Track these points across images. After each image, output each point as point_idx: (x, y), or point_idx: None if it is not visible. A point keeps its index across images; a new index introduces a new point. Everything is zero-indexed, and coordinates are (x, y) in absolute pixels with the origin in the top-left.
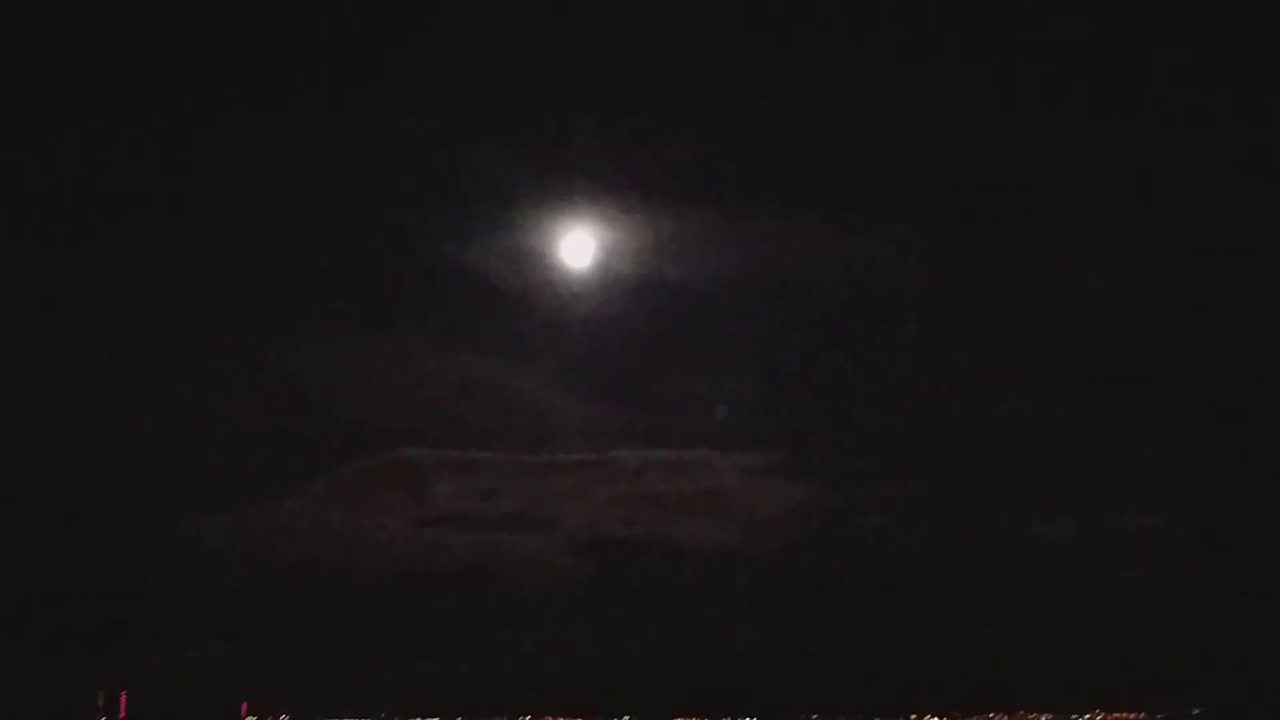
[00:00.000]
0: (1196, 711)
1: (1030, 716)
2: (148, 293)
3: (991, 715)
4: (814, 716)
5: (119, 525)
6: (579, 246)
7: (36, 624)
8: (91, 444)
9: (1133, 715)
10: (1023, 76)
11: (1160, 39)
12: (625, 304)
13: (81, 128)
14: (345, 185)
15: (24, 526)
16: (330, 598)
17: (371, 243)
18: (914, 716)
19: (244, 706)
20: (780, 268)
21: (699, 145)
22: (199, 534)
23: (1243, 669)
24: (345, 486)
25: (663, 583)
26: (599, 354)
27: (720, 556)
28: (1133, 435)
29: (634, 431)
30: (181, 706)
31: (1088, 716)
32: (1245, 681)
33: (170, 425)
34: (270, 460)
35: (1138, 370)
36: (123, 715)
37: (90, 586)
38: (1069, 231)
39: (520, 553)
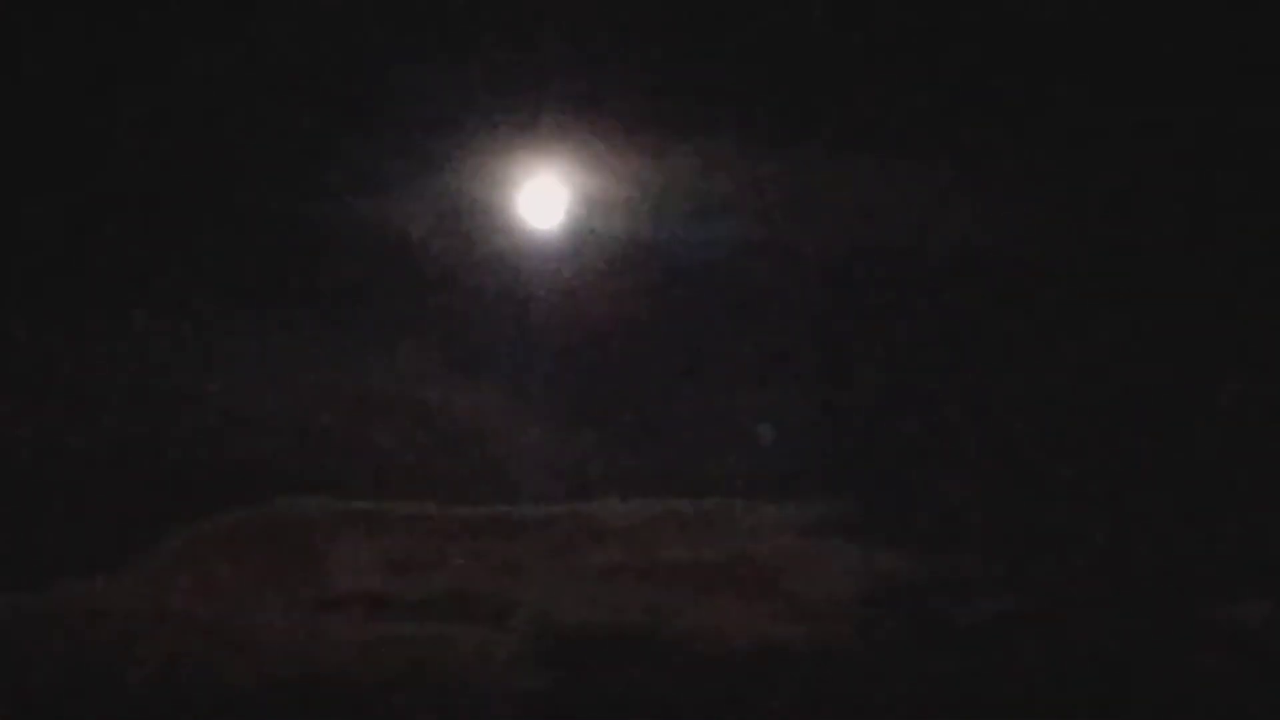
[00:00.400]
0: None
1: None
2: None
3: None
4: None
5: None
6: (546, 196)
7: None
8: None
9: None
10: None
11: None
12: (616, 284)
13: None
14: (181, 95)
15: None
16: (179, 711)
17: (230, 189)
18: None
19: None
20: (845, 230)
21: (726, 42)
22: None
23: None
24: (201, 553)
25: (669, 693)
26: (578, 359)
27: (756, 652)
28: None
29: (630, 471)
30: None
31: None
32: None
33: None
34: (93, 516)
35: None
36: None
37: None
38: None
39: (459, 650)
